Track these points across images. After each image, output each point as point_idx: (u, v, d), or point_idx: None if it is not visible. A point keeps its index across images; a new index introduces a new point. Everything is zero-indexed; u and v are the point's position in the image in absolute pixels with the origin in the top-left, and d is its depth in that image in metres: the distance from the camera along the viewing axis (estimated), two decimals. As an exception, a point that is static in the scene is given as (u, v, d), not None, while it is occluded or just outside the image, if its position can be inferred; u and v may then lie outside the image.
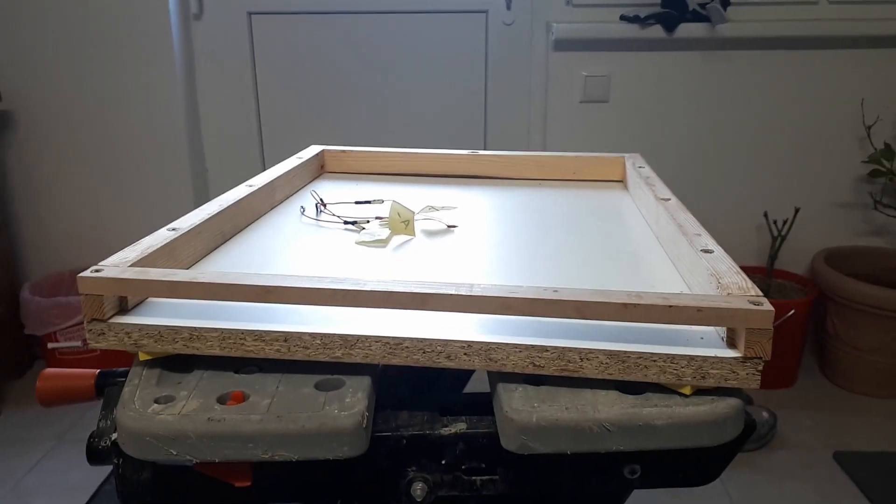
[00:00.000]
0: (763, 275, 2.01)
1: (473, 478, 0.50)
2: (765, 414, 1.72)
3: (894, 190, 1.98)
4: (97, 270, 0.49)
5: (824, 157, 2.05)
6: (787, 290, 2.00)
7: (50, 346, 1.86)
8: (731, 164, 2.06)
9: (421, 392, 0.79)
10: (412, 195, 0.84)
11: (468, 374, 0.64)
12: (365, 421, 0.45)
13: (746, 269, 2.05)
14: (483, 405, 0.51)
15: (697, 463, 0.50)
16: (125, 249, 0.54)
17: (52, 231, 2.12)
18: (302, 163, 0.87)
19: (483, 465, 0.50)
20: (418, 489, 0.50)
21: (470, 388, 0.70)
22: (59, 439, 1.80)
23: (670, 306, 0.44)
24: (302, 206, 0.78)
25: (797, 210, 1.95)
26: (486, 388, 0.52)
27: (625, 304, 0.45)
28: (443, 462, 0.50)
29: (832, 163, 2.05)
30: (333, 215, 0.75)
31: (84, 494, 1.56)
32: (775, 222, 1.98)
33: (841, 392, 1.96)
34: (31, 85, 2.01)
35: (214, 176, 2.06)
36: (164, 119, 2.02)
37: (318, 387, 0.48)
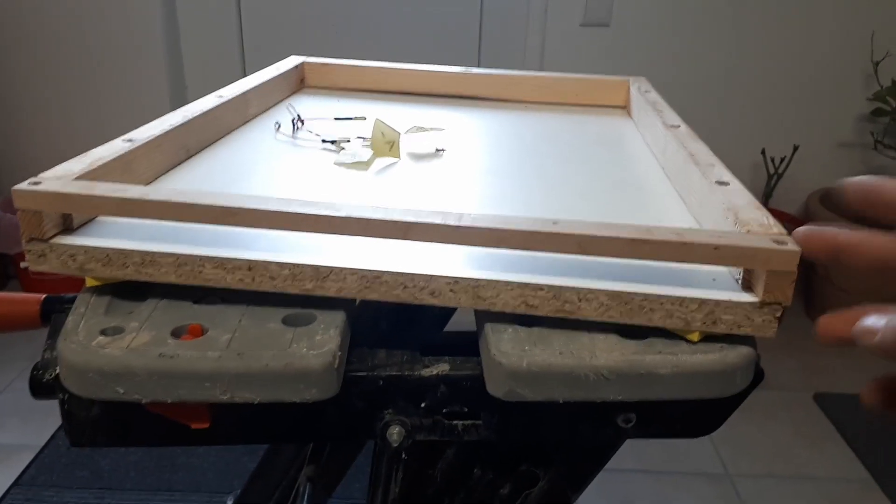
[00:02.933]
0: (756, 213, 1.98)
1: (455, 422, 0.46)
2: (749, 353, 1.71)
3: (897, 130, 1.92)
4: (35, 183, 0.43)
5: (828, 92, 1.98)
6: (780, 230, 1.97)
7: (22, 265, 1.80)
8: (731, 96, 1.99)
9: (401, 328, 0.75)
10: (399, 114, 0.78)
11: (452, 310, 0.59)
12: (337, 361, 0.40)
13: (740, 207, 2.01)
14: (468, 345, 0.47)
15: (699, 414, 0.46)
16: (72, 160, 0.48)
17: (23, 147, 2.03)
18: (279, 74, 0.80)
19: (465, 410, 0.46)
20: (395, 433, 0.46)
21: (454, 325, 0.65)
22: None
23: (684, 243, 0.39)
24: (277, 122, 0.71)
25: (796, 147, 1.90)
26: (471, 325, 0.47)
27: (633, 240, 0.40)
28: (422, 405, 0.46)
29: (836, 100, 1.98)
30: (311, 132, 0.68)
31: (57, 417, 1.53)
32: (773, 160, 1.93)
33: (826, 334, 1.95)
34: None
35: (195, 94, 1.96)
36: (141, 32, 1.90)
37: (285, 322, 0.43)
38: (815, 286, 1.97)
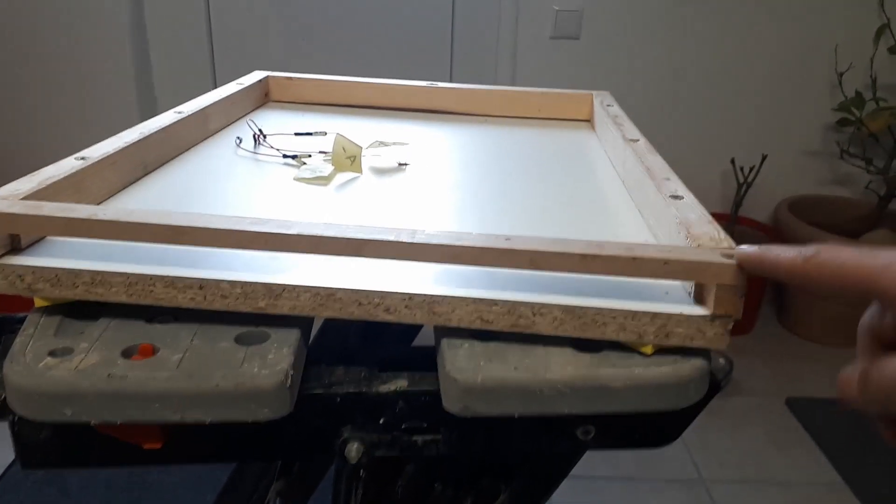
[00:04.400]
0: (727, 222, 2.00)
1: (414, 438, 0.46)
2: (721, 360, 1.73)
3: (861, 139, 1.96)
4: (-18, 203, 0.43)
5: (794, 103, 2.01)
6: (750, 238, 1.99)
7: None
8: (701, 107, 2.01)
9: (369, 340, 0.75)
10: (362, 129, 0.78)
11: (418, 326, 0.59)
12: (289, 380, 0.40)
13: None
14: (429, 359, 0.47)
15: (656, 424, 0.46)
16: (20, 179, 0.47)
17: (-12, 159, 2.00)
18: (242, 89, 0.80)
19: (425, 425, 0.46)
20: (353, 449, 0.45)
21: (423, 339, 0.65)
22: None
23: (634, 258, 0.40)
24: (238, 137, 0.71)
25: (764, 157, 1.92)
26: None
27: (583, 255, 0.40)
28: (381, 421, 0.45)
29: (802, 110, 2.02)
30: (272, 147, 0.68)
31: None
32: (742, 169, 1.95)
33: (797, 340, 1.98)
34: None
35: (165, 106, 1.95)
36: (109, 45, 1.89)
37: (238, 340, 0.42)
38: (785, 293, 2.00)
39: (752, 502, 1.42)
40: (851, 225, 1.96)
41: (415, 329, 0.71)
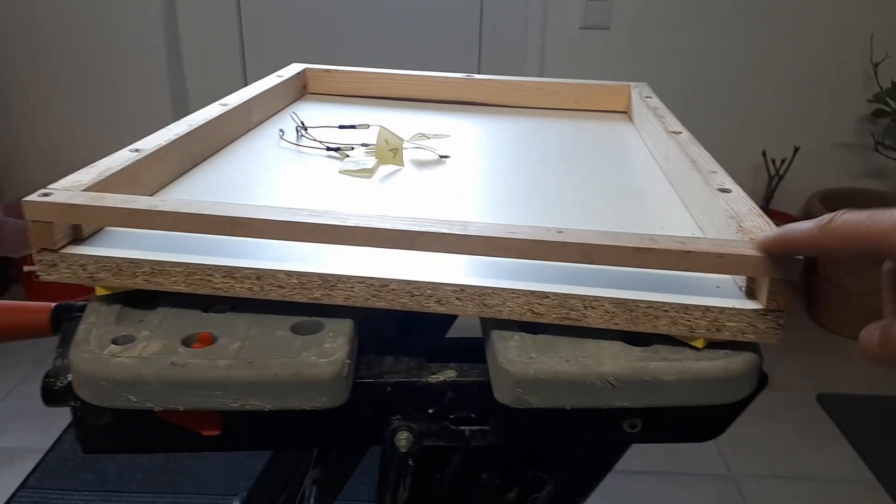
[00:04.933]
0: (757, 215, 1.98)
1: (462, 428, 0.47)
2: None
3: (897, 131, 1.92)
4: (46, 194, 0.44)
5: (828, 94, 1.98)
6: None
7: (26, 269, 1.80)
8: (731, 98, 1.99)
9: (406, 333, 0.75)
10: (401, 121, 0.78)
11: (453, 317, 0.59)
12: (346, 369, 0.41)
13: (741, 209, 2.01)
14: (474, 351, 0.47)
15: (703, 419, 0.46)
16: (80, 171, 0.49)
17: (27, 151, 2.04)
18: (282, 82, 0.80)
19: (473, 416, 0.46)
20: (403, 439, 0.46)
21: (454, 332, 0.65)
22: (36, 364, 1.77)
23: (688, 251, 0.40)
24: (281, 129, 0.72)
25: (797, 149, 1.90)
26: (471, 332, 0.48)
27: (637, 249, 0.40)
28: (430, 411, 0.46)
29: (836, 101, 1.99)
30: (315, 140, 0.69)
31: (62, 421, 1.54)
32: (773, 161, 1.93)
33: (828, 335, 1.96)
34: (2, 4, 1.89)
35: (196, 98, 1.97)
36: (141, 36, 1.91)
37: (294, 329, 0.43)
38: (815, 287, 1.98)
39: (782, 498, 1.41)
40: (885, 219, 1.92)
41: (448, 322, 0.71)
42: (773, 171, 1.92)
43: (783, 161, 1.90)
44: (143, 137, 0.56)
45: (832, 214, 0.34)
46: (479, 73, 0.90)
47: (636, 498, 1.39)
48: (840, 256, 0.34)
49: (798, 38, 1.92)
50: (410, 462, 0.48)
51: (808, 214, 1.97)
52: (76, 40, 1.91)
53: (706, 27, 1.91)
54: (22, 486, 1.41)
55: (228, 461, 1.48)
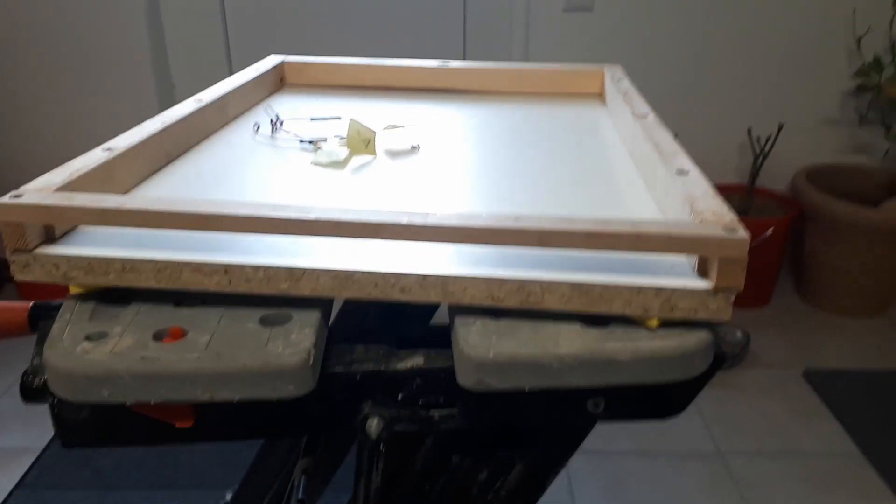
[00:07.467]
0: (743, 193, 1.99)
1: (431, 413, 0.48)
2: (738, 333, 1.73)
3: (881, 106, 1.93)
4: (17, 196, 0.45)
5: (811, 70, 1.99)
6: (768, 209, 1.98)
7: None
8: (716, 77, 2.00)
9: (388, 319, 0.77)
10: (377, 111, 0.79)
11: (434, 304, 0.61)
12: (311, 358, 0.42)
13: (727, 188, 2.03)
14: (445, 337, 0.49)
15: (664, 396, 0.48)
16: (52, 171, 0.50)
17: (16, 149, 2.04)
18: (259, 75, 0.81)
19: (441, 400, 0.48)
20: (373, 425, 0.48)
21: (440, 318, 0.67)
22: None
23: (638, 235, 0.41)
24: (256, 124, 0.73)
25: (781, 126, 1.91)
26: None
27: (590, 233, 0.42)
28: (399, 397, 0.48)
29: (819, 77, 1.99)
30: (289, 133, 0.70)
31: (58, 416, 1.55)
32: (758, 139, 1.94)
33: (815, 311, 1.98)
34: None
35: (183, 92, 1.97)
36: (125, 32, 1.91)
37: (263, 321, 0.44)
38: (804, 264, 1.99)
39: (770, 474, 1.43)
40: (870, 193, 1.94)
41: (432, 308, 0.73)
42: (758, 149, 1.93)
43: (768, 138, 1.91)
44: (129, 134, 0.57)
45: None
46: (464, 57, 0.91)
47: (625, 477, 1.42)
48: None
49: (780, 15, 1.93)
50: (382, 448, 0.50)
51: (794, 191, 1.99)
52: (60, 39, 1.90)
53: (689, 6, 1.92)
54: (19, 485, 1.42)
55: (224, 454, 1.49)
